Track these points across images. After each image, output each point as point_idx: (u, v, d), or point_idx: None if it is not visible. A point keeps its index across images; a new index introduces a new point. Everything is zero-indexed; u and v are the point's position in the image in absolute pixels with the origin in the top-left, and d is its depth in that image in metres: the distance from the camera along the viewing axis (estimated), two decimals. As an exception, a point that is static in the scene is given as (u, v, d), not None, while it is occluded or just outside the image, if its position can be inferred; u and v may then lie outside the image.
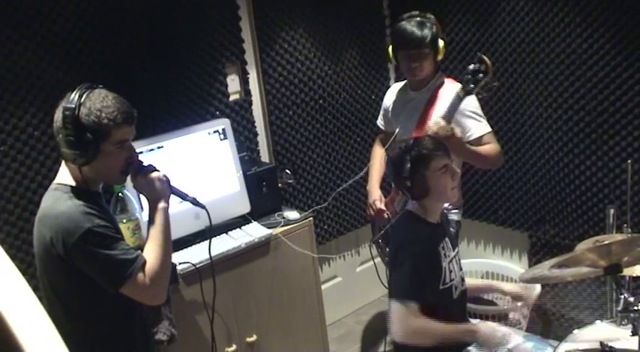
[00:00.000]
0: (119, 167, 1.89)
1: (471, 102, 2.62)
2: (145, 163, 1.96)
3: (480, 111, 2.68)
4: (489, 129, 2.68)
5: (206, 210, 2.07)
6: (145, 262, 1.86)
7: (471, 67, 2.47)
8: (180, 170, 2.57)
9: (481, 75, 2.45)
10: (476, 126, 2.63)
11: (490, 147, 2.66)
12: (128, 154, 1.90)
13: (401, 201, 2.76)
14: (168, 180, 1.98)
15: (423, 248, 2.20)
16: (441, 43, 2.69)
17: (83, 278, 1.84)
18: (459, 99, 2.50)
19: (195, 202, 2.07)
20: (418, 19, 2.69)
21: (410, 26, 2.67)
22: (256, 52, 3.25)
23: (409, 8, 2.79)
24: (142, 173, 1.93)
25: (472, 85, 2.47)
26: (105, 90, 1.85)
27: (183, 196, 2.05)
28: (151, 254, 1.89)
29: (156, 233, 1.92)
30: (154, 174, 1.94)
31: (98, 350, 1.96)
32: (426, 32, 2.65)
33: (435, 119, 2.50)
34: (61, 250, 1.79)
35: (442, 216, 2.37)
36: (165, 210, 1.95)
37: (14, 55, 2.48)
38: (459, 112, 2.54)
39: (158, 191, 1.94)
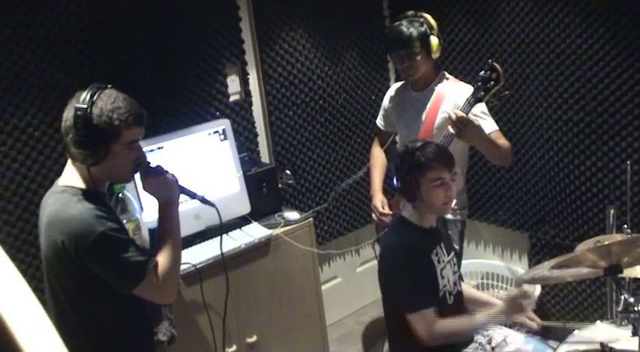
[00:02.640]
0: (128, 167, 1.90)
1: (479, 104, 2.61)
2: (153, 164, 1.97)
3: (487, 111, 2.68)
4: (497, 127, 2.67)
5: (215, 207, 2.07)
6: (156, 263, 1.88)
7: (482, 73, 2.45)
8: (181, 170, 2.55)
9: (492, 82, 2.43)
10: (484, 124, 2.62)
11: (503, 141, 2.66)
12: (137, 155, 1.91)
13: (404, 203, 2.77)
14: (176, 180, 1.99)
15: (415, 254, 2.19)
16: (434, 40, 2.66)
17: (94, 280, 1.85)
18: (469, 106, 2.48)
19: (204, 200, 2.08)
20: (408, 18, 2.67)
21: (397, 27, 2.65)
22: (256, 52, 3.25)
23: (409, 8, 2.78)
24: (151, 174, 1.94)
25: (482, 93, 2.45)
26: (115, 90, 1.86)
27: (193, 195, 2.06)
28: (162, 254, 1.91)
29: (166, 233, 1.93)
30: (163, 175, 1.95)
31: (107, 349, 1.97)
32: (412, 31, 2.62)
33: (454, 110, 2.48)
34: (73, 253, 1.80)
35: (438, 220, 2.37)
36: (176, 210, 1.96)
37: (14, 56, 2.48)
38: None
39: (168, 192, 1.95)
